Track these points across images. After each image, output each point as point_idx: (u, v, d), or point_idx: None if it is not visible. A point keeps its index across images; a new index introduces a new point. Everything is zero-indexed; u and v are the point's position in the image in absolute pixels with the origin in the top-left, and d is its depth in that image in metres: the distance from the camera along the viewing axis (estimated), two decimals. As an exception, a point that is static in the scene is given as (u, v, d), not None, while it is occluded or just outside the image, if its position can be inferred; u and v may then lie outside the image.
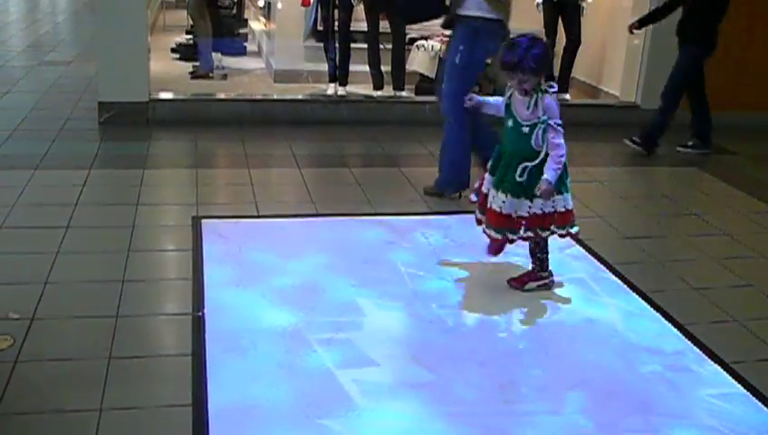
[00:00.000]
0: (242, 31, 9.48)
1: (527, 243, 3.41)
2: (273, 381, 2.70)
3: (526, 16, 8.11)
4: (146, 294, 3.31)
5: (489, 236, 3.38)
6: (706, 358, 3.05)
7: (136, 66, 5.86)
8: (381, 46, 6.86)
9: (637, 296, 3.53)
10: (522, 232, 3.28)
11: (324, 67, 6.96)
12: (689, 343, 3.16)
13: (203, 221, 4.05)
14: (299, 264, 3.63)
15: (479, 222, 3.47)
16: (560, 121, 3.18)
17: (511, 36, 3.38)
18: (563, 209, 3.31)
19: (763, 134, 6.72)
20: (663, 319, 3.34)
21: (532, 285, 3.49)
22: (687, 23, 5.78)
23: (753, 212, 4.84)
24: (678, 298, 3.56)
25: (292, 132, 5.92)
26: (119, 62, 5.80)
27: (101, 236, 3.86)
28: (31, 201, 4.23)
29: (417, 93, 7.17)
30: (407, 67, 7.04)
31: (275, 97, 6.65)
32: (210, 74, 7.59)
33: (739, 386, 2.86)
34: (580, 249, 4.00)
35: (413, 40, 7.32)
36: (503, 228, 3.29)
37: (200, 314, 3.12)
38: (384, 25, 6.77)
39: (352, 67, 6.82)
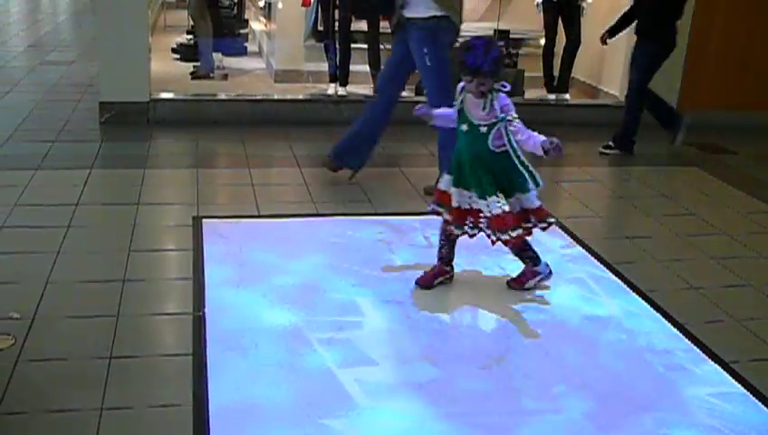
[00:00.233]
0: (242, 31, 9.49)
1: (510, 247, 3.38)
2: (274, 381, 2.71)
3: (526, 16, 8.15)
4: (146, 294, 3.32)
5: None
6: (706, 357, 3.05)
7: (137, 66, 5.87)
8: (381, 46, 6.86)
9: (636, 296, 3.54)
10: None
11: (325, 67, 6.97)
12: (689, 342, 3.16)
13: (204, 221, 4.06)
14: (299, 263, 3.64)
15: (447, 222, 3.40)
16: (517, 116, 3.20)
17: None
18: (534, 206, 3.30)
19: (763, 134, 6.72)
20: (662, 319, 3.34)
21: (531, 283, 3.50)
22: (646, 22, 5.77)
23: (753, 212, 4.85)
24: (678, 298, 3.56)
25: (292, 132, 5.93)
26: (120, 63, 5.81)
27: (102, 236, 3.87)
28: (32, 201, 4.24)
29: (416, 93, 7.15)
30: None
31: (276, 97, 6.66)
32: (211, 74, 7.60)
33: (738, 386, 2.87)
34: (580, 249, 4.00)
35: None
36: (516, 225, 3.26)
37: (201, 313, 3.13)
38: (384, 25, 6.77)
39: (353, 67, 6.83)
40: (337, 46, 6.71)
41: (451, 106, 3.39)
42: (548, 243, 4.03)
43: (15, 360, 2.74)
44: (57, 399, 2.55)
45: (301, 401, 2.60)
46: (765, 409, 2.74)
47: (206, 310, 3.15)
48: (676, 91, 6.70)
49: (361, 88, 6.94)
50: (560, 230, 4.21)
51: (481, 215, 3.28)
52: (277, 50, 7.80)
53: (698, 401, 2.76)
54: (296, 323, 3.10)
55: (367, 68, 6.89)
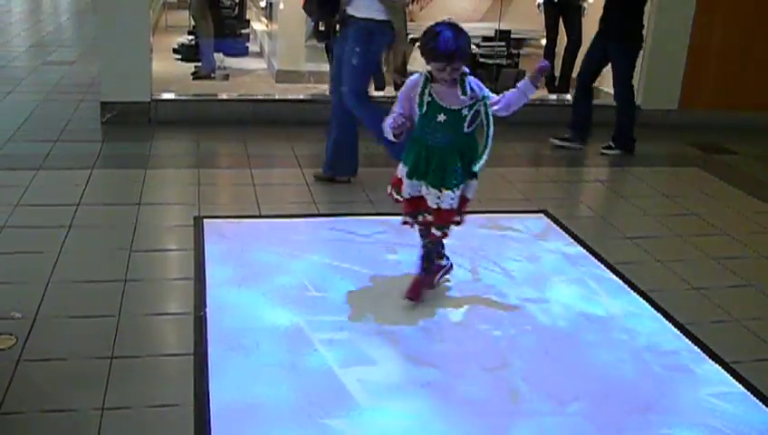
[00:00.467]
0: (244, 31, 9.48)
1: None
2: (275, 381, 2.71)
3: (527, 17, 8.16)
4: (148, 294, 3.32)
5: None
6: (706, 357, 3.05)
7: (138, 66, 5.87)
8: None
9: (637, 296, 3.54)
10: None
11: (326, 67, 6.94)
12: (689, 342, 3.16)
13: (205, 221, 4.06)
14: (300, 263, 3.64)
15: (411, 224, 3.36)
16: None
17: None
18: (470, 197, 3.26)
19: (763, 134, 6.72)
20: (663, 319, 3.35)
21: (438, 278, 3.44)
22: (616, 21, 5.72)
23: (753, 212, 4.85)
24: (678, 298, 3.56)
25: (293, 132, 5.93)
26: (121, 63, 5.81)
27: (104, 236, 3.87)
28: (33, 201, 4.24)
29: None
30: (408, 67, 7.04)
31: (277, 97, 6.65)
32: (212, 75, 7.60)
33: (739, 386, 2.87)
34: (581, 249, 4.01)
35: (414, 40, 7.32)
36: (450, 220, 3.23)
37: (202, 313, 3.13)
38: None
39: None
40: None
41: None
42: (549, 243, 4.04)
43: (17, 359, 2.74)
44: (58, 398, 2.55)
45: (302, 401, 2.60)
46: (766, 409, 2.75)
47: (207, 310, 3.15)
48: (677, 90, 6.71)
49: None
50: (560, 230, 4.22)
51: (427, 204, 3.18)
52: (278, 50, 7.81)
53: (699, 402, 2.76)
54: (297, 322, 3.10)
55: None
